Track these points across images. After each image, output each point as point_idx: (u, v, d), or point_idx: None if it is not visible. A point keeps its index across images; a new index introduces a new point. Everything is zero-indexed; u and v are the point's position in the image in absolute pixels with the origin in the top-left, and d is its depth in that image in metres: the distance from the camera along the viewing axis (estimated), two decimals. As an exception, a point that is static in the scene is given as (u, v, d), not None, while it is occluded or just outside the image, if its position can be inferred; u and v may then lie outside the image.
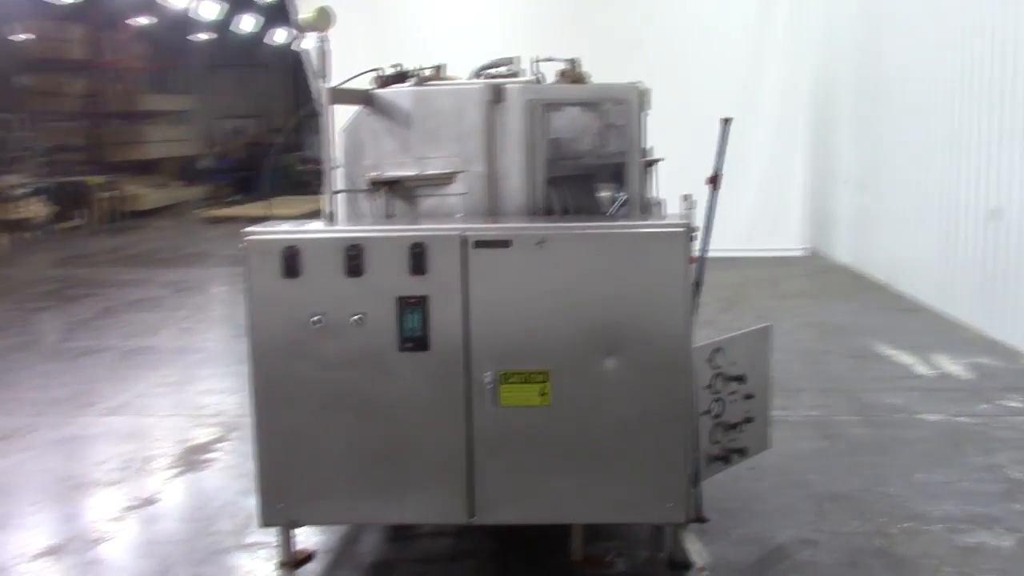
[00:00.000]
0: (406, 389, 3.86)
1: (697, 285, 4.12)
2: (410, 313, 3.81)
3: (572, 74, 4.77)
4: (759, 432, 4.75)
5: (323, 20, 4.03)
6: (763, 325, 4.91)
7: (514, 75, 6.83)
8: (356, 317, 3.81)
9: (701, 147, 13.89)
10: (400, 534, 4.62)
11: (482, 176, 4.21)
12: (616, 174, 4.44)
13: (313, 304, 3.82)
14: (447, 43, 13.40)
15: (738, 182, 14.05)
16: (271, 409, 3.91)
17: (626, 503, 3.93)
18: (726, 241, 13.65)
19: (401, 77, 4.55)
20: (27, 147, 23.02)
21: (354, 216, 4.42)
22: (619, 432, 3.86)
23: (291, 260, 3.80)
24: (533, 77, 4.59)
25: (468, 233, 3.79)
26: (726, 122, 4.38)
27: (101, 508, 5.14)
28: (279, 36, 33.63)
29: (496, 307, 3.82)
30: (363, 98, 4.34)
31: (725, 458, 4.49)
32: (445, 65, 4.61)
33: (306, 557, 4.39)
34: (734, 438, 4.57)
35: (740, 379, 4.52)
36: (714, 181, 4.35)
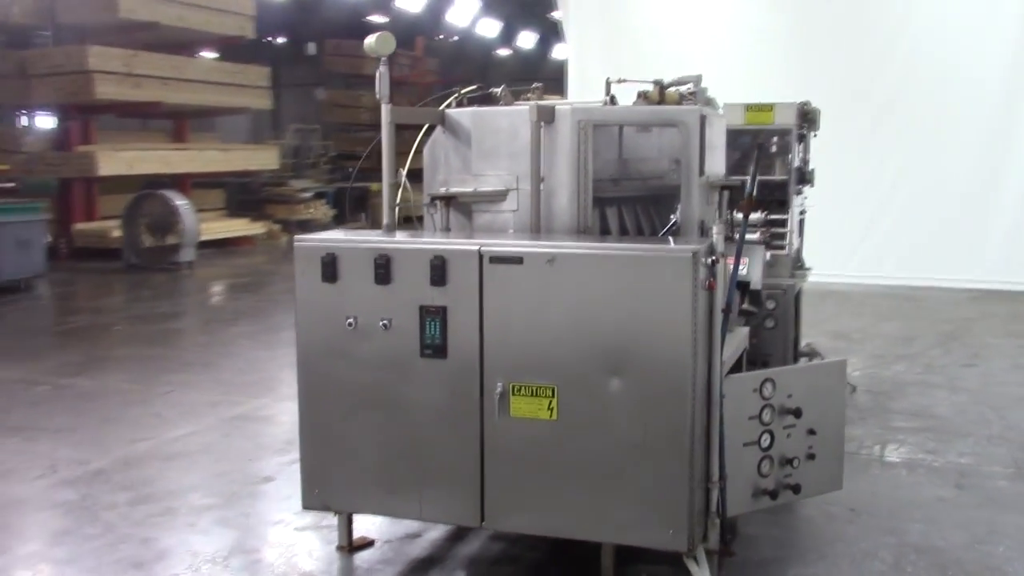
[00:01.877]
0: (426, 394, 4.08)
1: (727, 311, 4.02)
2: (431, 322, 4.03)
3: (652, 96, 4.78)
4: (825, 471, 4.55)
5: (385, 45, 4.33)
6: (835, 360, 4.68)
7: (693, 93, 6.90)
8: (384, 322, 4.08)
9: (955, 164, 13.10)
10: (460, 534, 4.83)
11: (532, 194, 4.34)
12: (671, 197, 4.42)
13: (348, 308, 4.13)
14: (681, 57, 13.57)
15: (989, 208, 13.08)
16: (312, 403, 4.27)
17: (627, 525, 3.93)
18: (974, 273, 12.82)
19: (485, 98, 4.78)
20: (320, 154, 25.31)
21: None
22: (622, 453, 3.87)
23: (330, 266, 4.13)
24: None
25: (484, 249, 3.95)
26: (760, 147, 4.24)
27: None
28: (558, 52, 34.62)
29: (509, 321, 3.95)
30: (431, 117, 4.60)
31: (773, 493, 4.34)
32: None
33: (365, 544, 4.71)
34: (789, 473, 4.40)
35: (796, 413, 4.35)
36: (747, 207, 4.22)
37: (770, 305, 6.73)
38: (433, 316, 4.02)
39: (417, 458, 4.13)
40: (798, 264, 7.34)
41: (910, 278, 13.20)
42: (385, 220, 4.48)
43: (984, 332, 10.36)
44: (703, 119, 4.35)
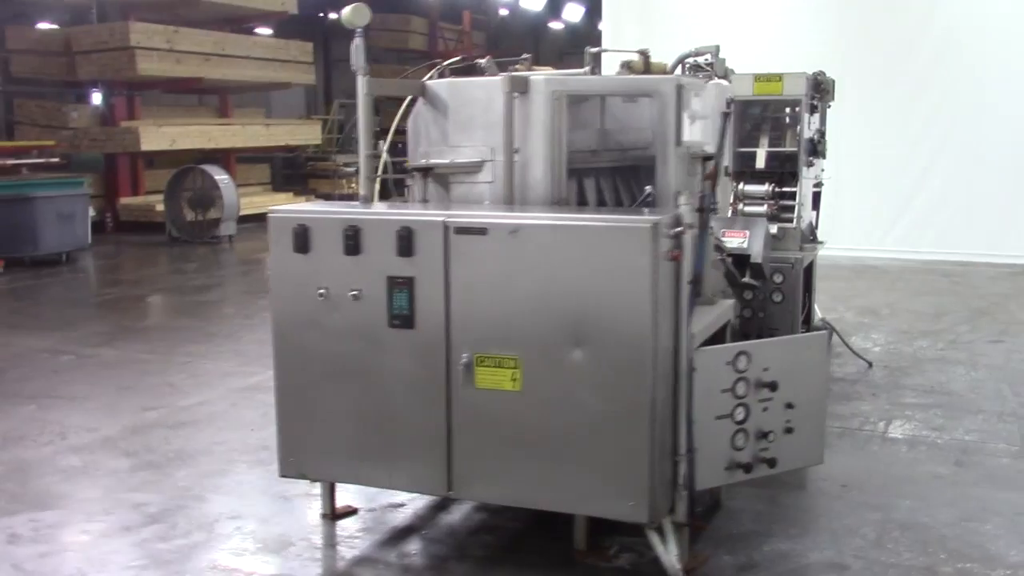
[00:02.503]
0: (395, 364, 4.12)
1: (695, 282, 3.98)
2: (398, 292, 4.06)
3: (636, 66, 4.75)
4: (804, 444, 4.50)
5: (359, 16, 4.34)
6: (813, 333, 4.61)
7: (711, 65, 6.85)
8: (353, 292, 4.11)
9: (995, 137, 12.73)
10: (444, 504, 4.88)
11: (504, 165, 4.34)
12: (652, 168, 4.38)
13: (319, 278, 4.17)
14: (717, 29, 13.41)
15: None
16: (287, 372, 4.33)
17: (589, 496, 3.94)
18: (1014, 248, 12.51)
19: (469, 70, 4.77)
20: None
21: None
22: (584, 424, 3.87)
23: (301, 237, 4.17)
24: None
25: (450, 220, 3.96)
26: (726, 116, 4.19)
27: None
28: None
29: (474, 292, 3.96)
30: (411, 89, 4.61)
31: (747, 467, 4.31)
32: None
33: (348, 512, 4.79)
34: (765, 447, 4.36)
35: (771, 386, 4.31)
36: (714, 176, 4.17)
37: (777, 279, 6.66)
38: (401, 287, 4.05)
39: (387, 427, 4.18)
40: (811, 237, 7.23)
41: (949, 253, 12.95)
42: (361, 191, 4.50)
43: (1017, 308, 10.14)
44: (680, 89, 4.30)
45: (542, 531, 4.53)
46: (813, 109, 6.99)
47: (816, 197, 7.50)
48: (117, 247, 16.00)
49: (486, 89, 4.39)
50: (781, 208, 6.86)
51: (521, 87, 4.32)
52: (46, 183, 13.99)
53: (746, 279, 6.17)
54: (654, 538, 3.98)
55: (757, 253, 6.11)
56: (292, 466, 4.39)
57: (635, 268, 3.72)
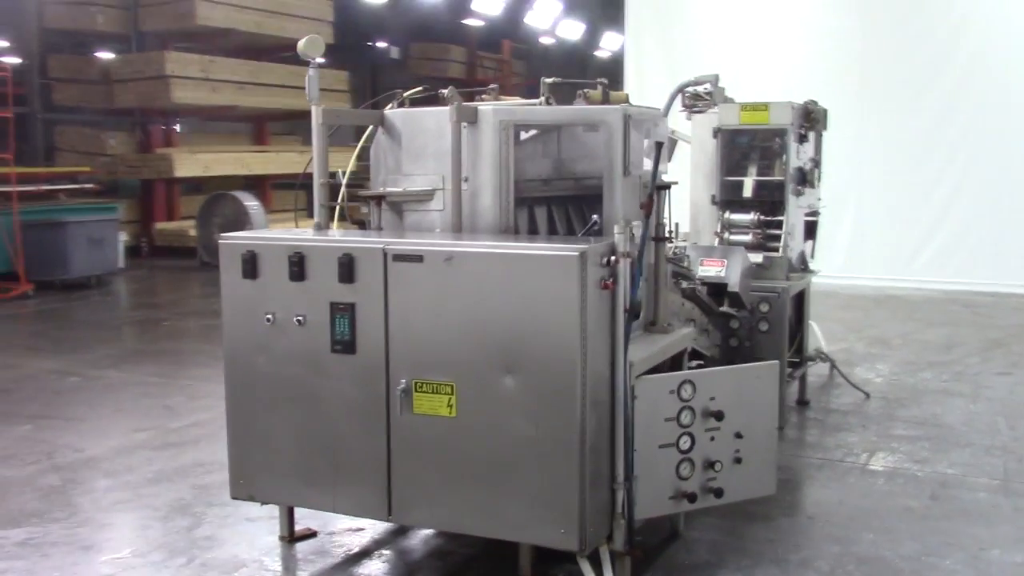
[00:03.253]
0: (337, 389, 4.18)
1: (631, 312, 3.99)
2: (340, 318, 4.12)
3: (593, 96, 4.78)
4: (754, 474, 4.47)
5: (313, 48, 4.44)
6: (763, 363, 4.59)
7: (710, 94, 6.89)
8: (298, 317, 4.19)
9: (1020, 167, 12.60)
10: (403, 529, 4.91)
11: (452, 194, 4.39)
12: (595, 197, 4.41)
13: (267, 304, 4.25)
14: (738, 55, 13.41)
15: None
16: (236, 396, 4.42)
17: (522, 523, 3.95)
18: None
19: (431, 100, 4.84)
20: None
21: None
22: (517, 451, 3.89)
23: (249, 263, 4.26)
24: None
25: (389, 247, 4.02)
26: (659, 145, 4.20)
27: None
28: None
29: (412, 318, 4.02)
30: (369, 119, 4.70)
31: (691, 496, 4.29)
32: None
33: (308, 535, 4.84)
34: (712, 477, 4.35)
35: (717, 415, 4.30)
36: (648, 206, 4.18)
37: (763, 308, 6.61)
38: (342, 313, 4.11)
39: (331, 451, 4.23)
40: (802, 267, 7.18)
41: (975, 283, 12.75)
42: (316, 219, 4.58)
43: (1035, 341, 9.94)
44: (627, 119, 4.32)
45: (492, 558, 4.54)
46: (803, 138, 6.95)
47: (811, 226, 7.44)
48: (149, 271, 16.31)
49: (437, 119, 4.45)
50: (768, 237, 6.82)
51: (469, 117, 4.38)
52: (79, 208, 14.35)
53: (724, 308, 6.16)
54: (585, 566, 3.97)
55: (735, 282, 6.09)
56: (242, 488, 4.46)
57: (563, 297, 3.75)
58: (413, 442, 4.07)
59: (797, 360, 7.23)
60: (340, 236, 4.32)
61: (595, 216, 4.35)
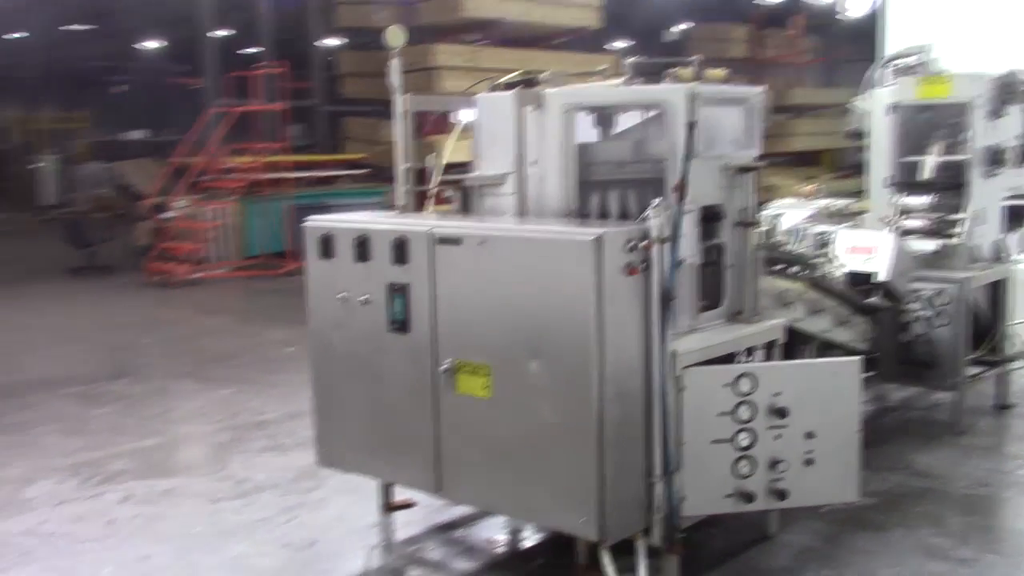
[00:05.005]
0: (395, 366, 4.34)
1: (666, 298, 3.83)
2: (396, 298, 4.28)
3: (683, 75, 4.61)
4: (830, 479, 4.16)
5: (394, 39, 4.61)
6: (841, 359, 4.23)
7: (921, 64, 6.56)
8: (363, 297, 4.39)
9: None
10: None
11: (517, 178, 4.41)
12: (658, 180, 4.26)
13: (340, 283, 4.49)
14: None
15: None
16: (319, 369, 4.69)
17: (548, 508, 3.93)
18: None
19: (524, 83, 4.88)
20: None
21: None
22: (543, 436, 3.87)
23: (326, 244, 4.51)
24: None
25: (434, 230, 4.12)
26: (691, 126, 3.94)
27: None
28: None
29: (455, 300, 4.09)
30: (452, 104, 4.81)
31: (750, 496, 4.06)
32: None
33: (407, 505, 5.06)
34: (776, 478, 4.09)
35: (780, 412, 4.04)
36: (680, 189, 3.94)
37: (939, 301, 6.04)
38: (398, 293, 4.26)
39: (391, 426, 4.41)
40: (998, 255, 6.45)
41: None
42: (400, 202, 4.76)
43: None
44: (693, 98, 4.14)
45: (561, 541, 4.53)
46: (998, 114, 6.24)
47: (1017, 212, 6.66)
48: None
49: (509, 103, 4.48)
50: (946, 223, 6.21)
51: (535, 101, 4.37)
52: (346, 192, 15.54)
53: (873, 300, 5.69)
54: (605, 557, 3.88)
55: (886, 272, 5.62)
56: (326, 457, 4.75)
57: (578, 282, 3.68)
58: (456, 421, 4.15)
59: (994, 359, 6.53)
60: (397, 219, 4.47)
61: (657, 200, 4.19)
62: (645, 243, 3.78)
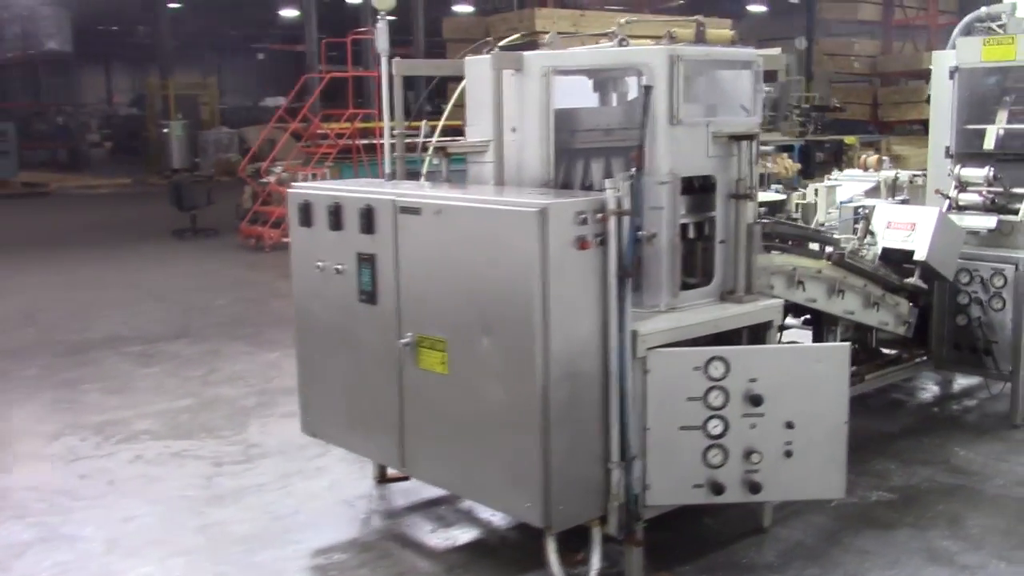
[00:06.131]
0: (365, 338, 4.23)
1: (623, 275, 3.59)
2: (364, 268, 4.17)
3: (680, 35, 4.33)
4: (812, 473, 3.88)
5: (385, 4, 4.47)
6: (826, 345, 3.90)
7: (1002, 26, 6.17)
8: (337, 266, 4.29)
9: None
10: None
11: (494, 145, 4.23)
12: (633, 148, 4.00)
13: (318, 252, 4.41)
14: None
15: None
16: (301, 338, 4.64)
17: (497, 491, 3.78)
18: None
19: (529, 47, 4.68)
20: (792, 106, 24.44)
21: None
22: (493, 416, 3.71)
23: (305, 212, 4.43)
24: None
25: (398, 199, 3.98)
26: (647, 90, 3.65)
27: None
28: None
29: (416, 271, 3.96)
30: (443, 69, 4.64)
31: (718, 488, 3.81)
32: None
33: (401, 477, 4.98)
34: (749, 469, 3.83)
35: (755, 400, 3.77)
36: (638, 157, 3.66)
37: (998, 283, 5.57)
38: (366, 263, 4.15)
39: (363, 398, 4.32)
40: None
41: None
42: (386, 170, 4.64)
43: None
44: (675, 62, 3.87)
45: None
46: (1073, 76, 5.68)
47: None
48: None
49: (488, 67, 4.28)
50: (1010, 197, 5.69)
51: (514, 64, 4.17)
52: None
53: (910, 281, 5.27)
54: (549, 544, 3.70)
55: (923, 251, 5.19)
56: (308, 426, 4.70)
57: (524, 255, 3.49)
58: (417, 397, 4.03)
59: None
60: (367, 188, 4.33)
61: (633, 169, 3.93)
62: (600, 216, 3.55)
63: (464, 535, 4.42)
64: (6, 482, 5.14)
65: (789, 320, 5.36)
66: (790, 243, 4.75)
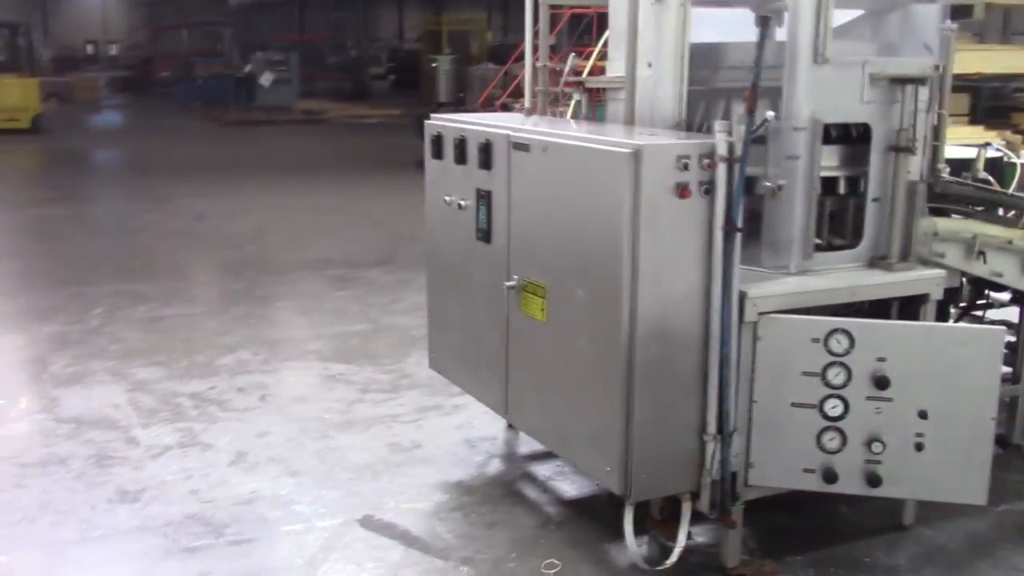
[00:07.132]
0: (480, 278, 4.09)
1: (729, 229, 3.21)
2: (481, 206, 4.01)
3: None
4: (948, 471, 3.39)
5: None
6: (976, 327, 3.33)
7: None
8: (462, 201, 4.16)
9: None
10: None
11: (627, 82, 3.91)
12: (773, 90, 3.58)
13: (447, 186, 4.29)
14: None
15: None
16: (431, 273, 4.55)
17: (581, 450, 3.55)
18: None
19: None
20: None
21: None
22: (582, 372, 3.47)
23: (436, 144, 4.31)
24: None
25: (512, 135, 3.77)
26: (764, 20, 3.14)
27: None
28: None
29: (525, 212, 3.75)
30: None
31: (830, 476, 3.39)
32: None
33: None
34: (870, 459, 3.39)
35: (880, 383, 3.31)
36: (752, 98, 3.20)
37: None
38: (483, 200, 3.99)
39: (476, 340, 4.19)
40: None
41: None
42: (527, 104, 4.43)
43: None
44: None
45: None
46: None
47: None
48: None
49: (630, -2, 3.95)
50: None
51: (653, -7, 3.81)
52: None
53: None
54: (627, 515, 3.43)
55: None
56: (434, 362, 4.63)
57: (615, 200, 3.20)
58: (520, 343, 3.85)
59: None
60: (490, 121, 4.12)
61: (770, 112, 3.50)
62: (707, 162, 3.19)
63: (572, 490, 4.23)
64: (173, 387, 5.45)
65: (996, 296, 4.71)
66: (970, 207, 4.13)
